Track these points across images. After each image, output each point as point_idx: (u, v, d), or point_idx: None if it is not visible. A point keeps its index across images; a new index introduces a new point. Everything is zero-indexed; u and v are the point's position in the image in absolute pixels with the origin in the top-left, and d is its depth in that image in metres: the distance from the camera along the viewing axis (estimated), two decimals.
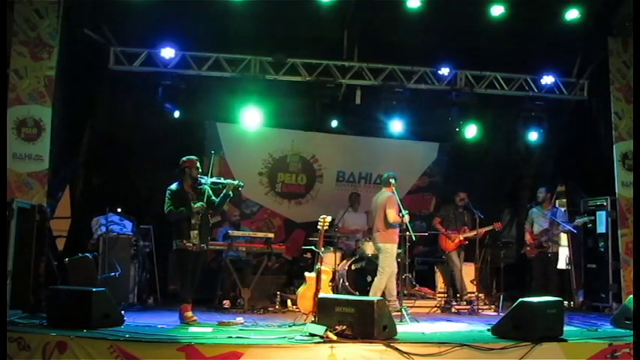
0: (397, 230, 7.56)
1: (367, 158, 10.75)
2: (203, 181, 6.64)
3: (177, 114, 8.93)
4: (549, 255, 8.65)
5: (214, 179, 6.73)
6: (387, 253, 7.52)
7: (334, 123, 9.82)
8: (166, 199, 6.51)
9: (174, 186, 6.59)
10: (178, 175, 6.64)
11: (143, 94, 9.12)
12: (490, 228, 8.51)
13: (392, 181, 7.58)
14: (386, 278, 7.50)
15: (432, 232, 9.00)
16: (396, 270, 7.61)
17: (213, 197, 6.68)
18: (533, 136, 9.80)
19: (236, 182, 6.69)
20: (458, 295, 8.66)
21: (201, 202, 6.50)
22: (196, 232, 6.50)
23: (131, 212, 8.42)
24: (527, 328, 5.41)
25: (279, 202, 10.51)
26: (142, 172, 9.64)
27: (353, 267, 8.46)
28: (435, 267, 9.43)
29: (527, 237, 8.83)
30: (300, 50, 8.93)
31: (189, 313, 6.44)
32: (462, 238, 8.70)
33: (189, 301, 6.52)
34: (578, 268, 9.25)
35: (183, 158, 6.69)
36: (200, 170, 6.69)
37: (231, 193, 6.67)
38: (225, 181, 6.70)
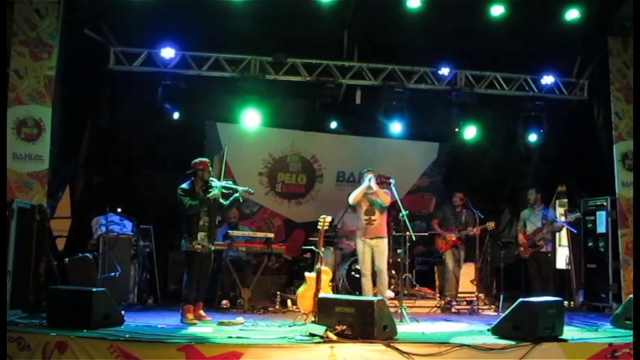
0: (360, 223, 7.45)
1: (367, 158, 10.71)
2: (214, 184, 6.69)
3: (177, 115, 8.93)
4: (547, 255, 8.69)
5: (225, 183, 6.79)
6: None
7: (334, 123, 9.82)
8: (181, 197, 6.54)
9: (185, 185, 6.65)
10: (190, 175, 6.71)
11: (143, 94, 9.11)
12: (484, 226, 8.47)
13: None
14: (363, 279, 7.41)
15: (431, 233, 9.00)
16: (383, 267, 7.37)
17: (222, 200, 6.75)
18: (533, 136, 9.81)
19: (246, 188, 6.78)
20: (446, 293, 8.66)
21: (215, 191, 6.56)
22: (204, 233, 6.60)
23: (131, 212, 8.42)
24: (527, 328, 5.41)
25: (279, 202, 10.51)
26: (142, 172, 9.65)
27: (353, 267, 8.46)
28: (435, 267, 9.43)
29: (521, 237, 8.86)
30: (300, 50, 8.93)
31: (191, 315, 6.49)
32: (454, 237, 8.71)
33: (192, 303, 6.58)
34: (578, 268, 9.25)
35: (196, 160, 6.77)
36: (211, 173, 6.75)
37: (241, 198, 6.79)
38: (236, 187, 6.78)
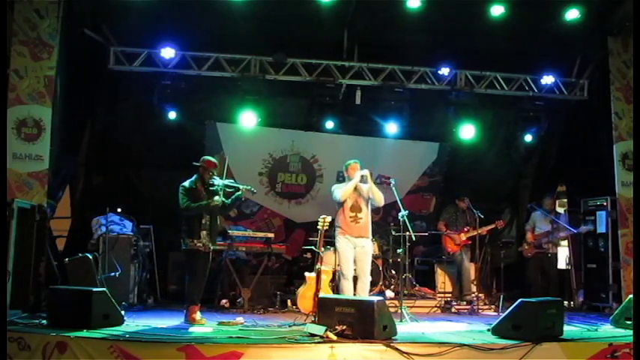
0: (343, 219, 6.91)
1: (367, 158, 10.55)
2: (216, 182, 6.67)
3: (175, 115, 8.95)
4: (549, 255, 8.70)
5: (227, 182, 6.77)
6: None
7: (334, 123, 9.81)
8: (180, 195, 6.52)
9: (187, 183, 6.62)
10: (195, 171, 6.70)
11: (143, 94, 9.12)
12: (492, 226, 8.51)
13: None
14: (344, 281, 6.77)
15: (438, 233, 9.02)
16: (367, 270, 6.90)
17: (224, 199, 6.72)
18: (532, 136, 9.81)
19: (249, 187, 6.77)
20: (464, 294, 8.66)
21: (219, 197, 6.55)
22: (206, 232, 6.56)
23: (131, 212, 8.41)
24: (527, 328, 5.42)
25: (279, 202, 10.50)
26: (141, 172, 9.65)
27: None
28: (435, 267, 9.43)
29: (529, 235, 8.88)
30: (300, 50, 8.93)
31: (197, 316, 6.44)
32: (464, 238, 8.73)
33: (197, 303, 6.52)
34: (578, 268, 9.26)
35: (203, 157, 6.78)
36: (214, 173, 6.71)
37: (243, 197, 6.77)
38: (238, 185, 6.77)
